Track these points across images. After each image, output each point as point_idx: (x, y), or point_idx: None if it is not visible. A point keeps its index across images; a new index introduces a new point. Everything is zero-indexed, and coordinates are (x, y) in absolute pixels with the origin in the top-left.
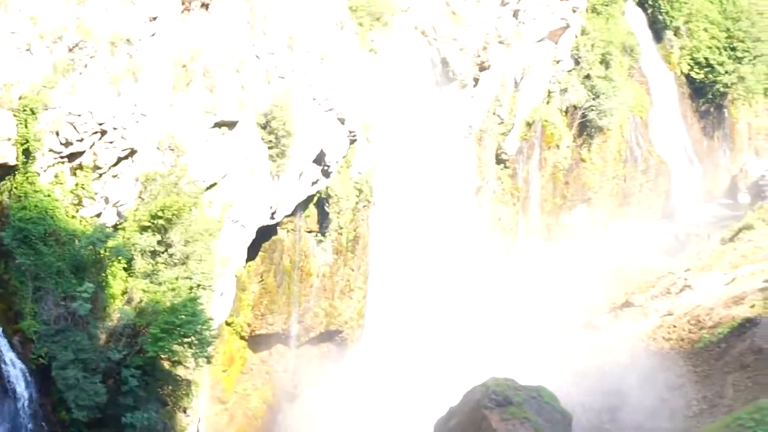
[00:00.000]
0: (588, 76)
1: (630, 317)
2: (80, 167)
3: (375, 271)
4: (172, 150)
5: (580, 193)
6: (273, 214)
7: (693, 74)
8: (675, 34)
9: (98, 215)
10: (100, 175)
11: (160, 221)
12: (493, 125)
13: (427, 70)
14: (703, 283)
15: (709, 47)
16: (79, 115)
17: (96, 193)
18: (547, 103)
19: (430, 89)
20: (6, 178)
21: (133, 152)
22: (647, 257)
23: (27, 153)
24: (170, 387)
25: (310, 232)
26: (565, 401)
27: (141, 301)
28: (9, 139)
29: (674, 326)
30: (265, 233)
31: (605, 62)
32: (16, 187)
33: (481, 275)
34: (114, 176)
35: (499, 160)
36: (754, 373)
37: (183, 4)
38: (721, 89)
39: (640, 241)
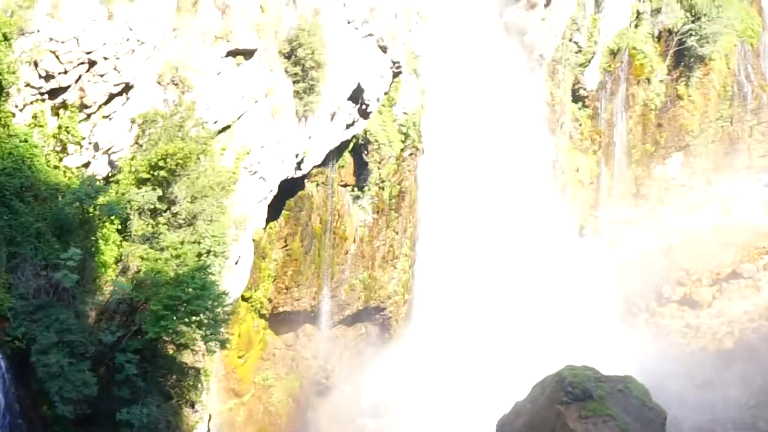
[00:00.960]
0: None
1: (738, 291)
2: (64, 106)
3: (425, 235)
4: (175, 85)
5: (676, 139)
6: (299, 163)
7: None
8: None
9: (86, 165)
10: (88, 115)
11: (162, 173)
12: (570, 54)
13: None
14: None
15: None
16: (63, 42)
17: (83, 138)
18: (636, 26)
19: (491, 10)
20: None
21: (128, 87)
22: (759, 217)
23: None
24: (175, 376)
25: (345, 186)
26: (657, 395)
27: (139, 270)
28: None
29: None
30: (290, 188)
31: None
32: None
33: (554, 239)
34: (105, 117)
35: (577, 98)
36: None
37: None
38: None
39: (751, 197)
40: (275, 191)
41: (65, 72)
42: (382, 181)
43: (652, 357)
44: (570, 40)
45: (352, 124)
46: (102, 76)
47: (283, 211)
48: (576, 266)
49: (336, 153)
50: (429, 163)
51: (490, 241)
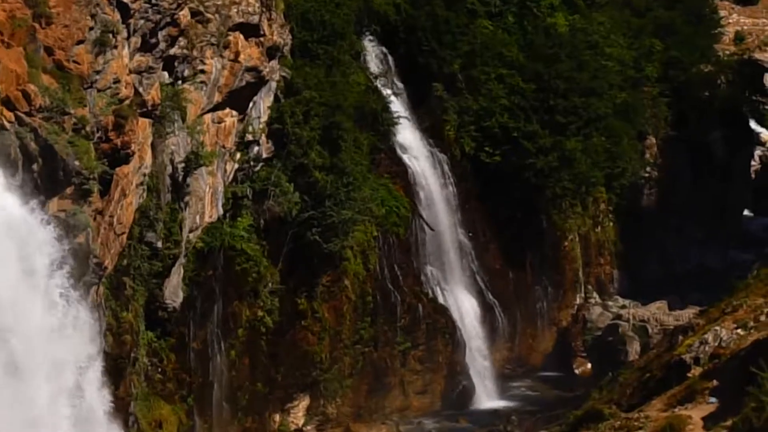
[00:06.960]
0: (300, 168)
1: None
2: None
3: None
4: None
5: (298, 374)
6: None
7: (483, 156)
8: (446, 89)
9: None
10: None
11: None
12: (141, 261)
13: None
14: None
15: (509, 107)
16: None
17: None
18: (234, 218)
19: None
20: None
21: None
22: None
23: None
24: None
25: None
26: None
27: None
28: None
29: None
30: None
31: (332, 141)
32: None
33: None
34: None
35: (155, 322)
36: None
37: None
38: (533, 180)
39: None
40: None
41: None
42: None
43: None
44: (140, 242)
45: None
46: None
47: None
48: None
49: None
50: None
51: None
